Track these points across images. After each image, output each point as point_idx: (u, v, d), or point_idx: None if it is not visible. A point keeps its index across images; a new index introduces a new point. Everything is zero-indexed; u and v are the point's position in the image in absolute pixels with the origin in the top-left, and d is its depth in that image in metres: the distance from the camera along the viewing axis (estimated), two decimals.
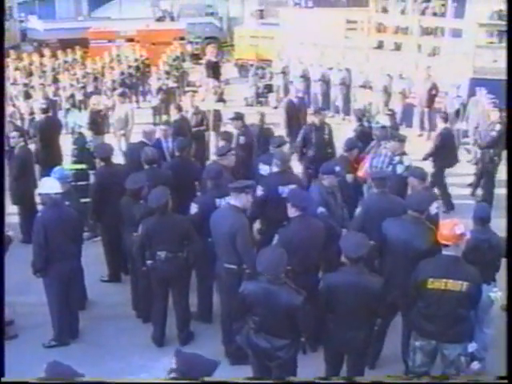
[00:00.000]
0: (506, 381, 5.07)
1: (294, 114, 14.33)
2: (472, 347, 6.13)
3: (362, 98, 17.34)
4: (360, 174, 9.84)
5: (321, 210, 7.74)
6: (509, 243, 6.85)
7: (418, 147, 13.16)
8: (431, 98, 16.78)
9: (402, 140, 9.92)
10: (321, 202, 7.84)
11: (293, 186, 8.10)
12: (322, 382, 5.64)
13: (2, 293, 7.33)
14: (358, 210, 7.73)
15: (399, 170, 9.44)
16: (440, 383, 6.13)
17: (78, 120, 13.67)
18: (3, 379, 5.38)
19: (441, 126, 12.24)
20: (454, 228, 5.99)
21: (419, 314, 6.25)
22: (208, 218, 7.37)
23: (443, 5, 20.60)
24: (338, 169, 8.38)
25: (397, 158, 9.62)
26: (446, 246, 6.01)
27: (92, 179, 9.41)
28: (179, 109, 13.00)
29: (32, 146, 12.10)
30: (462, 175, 13.34)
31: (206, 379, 4.27)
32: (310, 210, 7.20)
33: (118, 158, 11.26)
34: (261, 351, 5.95)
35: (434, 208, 7.83)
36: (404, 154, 9.71)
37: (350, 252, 5.96)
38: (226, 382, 4.37)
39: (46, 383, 4.33)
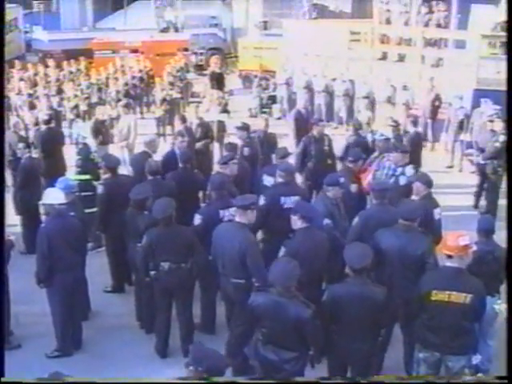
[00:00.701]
0: (506, 381, 5.07)
1: (303, 125, 14.33)
2: (476, 359, 6.12)
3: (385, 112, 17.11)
4: (364, 185, 9.84)
5: (326, 221, 7.74)
6: (509, 249, 6.84)
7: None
8: (435, 109, 16.80)
9: (404, 151, 9.93)
10: (326, 213, 7.84)
11: (296, 198, 8.11)
12: (323, 382, 5.65)
13: (3, 295, 7.35)
14: (356, 221, 7.70)
15: (402, 181, 9.43)
16: (440, 383, 6.12)
17: (82, 131, 13.69)
18: (3, 379, 5.39)
19: (411, 129, 12.30)
20: (459, 239, 5.98)
21: (423, 325, 6.23)
22: (212, 230, 7.37)
23: (446, 16, 20.58)
24: (342, 180, 8.39)
25: (399, 170, 9.62)
26: (450, 257, 6.00)
27: (98, 190, 9.36)
28: (183, 120, 13.03)
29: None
30: (465, 186, 13.32)
31: (206, 379, 4.29)
32: (315, 222, 7.21)
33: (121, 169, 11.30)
34: (268, 363, 5.93)
35: (436, 214, 7.86)
36: (407, 165, 9.71)
37: (353, 263, 5.96)
38: (227, 382, 4.38)
39: (46, 383, 4.33)
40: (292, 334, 5.78)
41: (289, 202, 8.12)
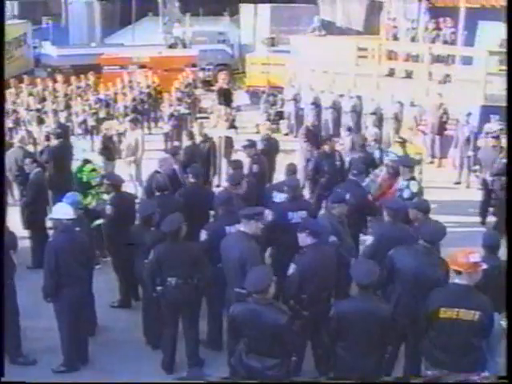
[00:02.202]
0: (506, 381, 5.04)
1: (312, 142, 14.37)
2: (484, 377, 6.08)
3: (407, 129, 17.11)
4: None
5: (332, 238, 7.74)
6: (509, 250, 6.84)
7: (428, 174, 13.15)
8: (442, 126, 16.81)
9: (408, 166, 9.90)
10: (331, 230, 7.84)
11: (303, 213, 8.12)
12: (323, 382, 5.64)
13: (2, 294, 7.36)
14: (371, 239, 7.71)
15: (405, 194, 9.43)
16: (440, 383, 6.09)
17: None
18: (3, 379, 5.39)
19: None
20: (469, 256, 5.96)
21: (431, 343, 6.20)
22: (217, 245, 7.41)
23: (453, 33, 20.61)
24: (348, 197, 8.39)
25: (404, 183, 9.61)
26: (459, 273, 5.98)
27: (107, 210, 9.36)
28: (191, 136, 13.06)
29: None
30: (473, 203, 13.30)
31: (206, 379, 4.28)
32: (321, 239, 7.22)
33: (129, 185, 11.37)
34: (252, 371, 5.95)
35: None
36: (413, 179, 9.68)
37: (360, 279, 5.96)
38: (228, 382, 4.39)
39: (46, 383, 4.32)
40: (271, 341, 5.81)
41: (296, 217, 8.17)
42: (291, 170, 9.87)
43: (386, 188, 10.13)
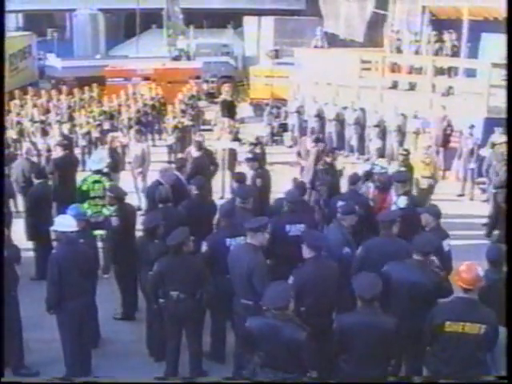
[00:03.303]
0: (506, 381, 5.03)
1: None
2: None
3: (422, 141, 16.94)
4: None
5: (346, 250, 7.70)
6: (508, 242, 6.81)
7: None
8: (446, 138, 16.82)
9: (401, 181, 9.85)
10: (344, 242, 7.81)
11: (301, 226, 8.10)
12: (324, 382, 5.63)
13: (2, 293, 7.36)
14: (359, 251, 7.66)
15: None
16: (440, 383, 6.07)
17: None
18: (3, 379, 5.39)
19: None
20: (472, 270, 5.95)
21: (434, 356, 6.18)
22: (217, 257, 7.44)
23: (455, 45, 20.65)
24: (357, 208, 8.37)
25: (395, 198, 9.59)
26: (466, 290, 5.96)
27: (112, 222, 9.37)
28: (199, 147, 13.04)
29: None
30: (477, 216, 13.28)
31: (206, 379, 4.26)
32: (333, 251, 7.23)
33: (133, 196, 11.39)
34: None
35: (445, 245, 7.81)
36: (406, 194, 9.61)
37: (363, 292, 5.94)
38: (227, 382, 4.37)
39: (46, 383, 4.31)
40: (288, 357, 5.75)
41: (294, 229, 8.15)
42: (296, 183, 9.86)
43: (380, 203, 10.05)
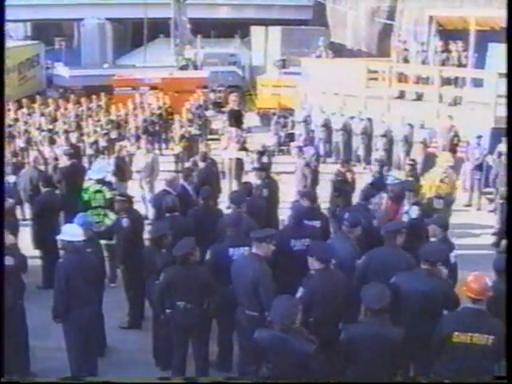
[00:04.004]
0: (505, 381, 5.01)
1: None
2: None
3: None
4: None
5: (358, 262, 7.63)
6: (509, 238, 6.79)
7: None
8: (453, 148, 16.79)
9: (412, 190, 9.84)
10: (355, 253, 7.76)
11: (306, 240, 8.05)
12: (324, 382, 5.61)
13: (2, 292, 7.35)
14: (361, 261, 7.64)
15: (405, 219, 9.34)
16: (440, 383, 6.05)
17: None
18: (3, 379, 5.38)
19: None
20: (481, 281, 5.93)
21: (442, 366, 6.15)
22: (219, 267, 7.44)
23: (461, 56, 20.64)
24: (363, 220, 8.36)
25: (405, 208, 9.57)
26: (475, 300, 5.94)
27: (123, 223, 9.39)
28: (204, 158, 13.05)
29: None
30: (484, 227, 13.24)
31: (206, 379, 4.25)
32: (345, 263, 7.24)
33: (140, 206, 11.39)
34: None
35: (452, 257, 7.79)
36: (416, 204, 9.60)
37: (371, 303, 5.93)
38: (226, 382, 4.35)
39: (46, 383, 4.31)
40: (296, 369, 5.74)
41: (299, 244, 8.09)
42: (302, 193, 9.85)
43: (392, 214, 10.01)
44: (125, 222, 9.30)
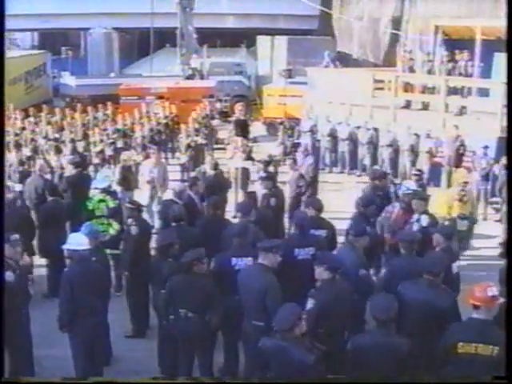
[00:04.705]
0: (505, 381, 4.99)
1: None
2: None
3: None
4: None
5: (362, 272, 7.64)
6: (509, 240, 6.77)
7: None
8: (459, 158, 16.79)
9: (422, 198, 9.84)
10: (360, 263, 7.74)
11: (310, 249, 8.01)
12: (324, 381, 5.60)
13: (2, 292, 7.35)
14: (384, 271, 7.66)
15: (414, 228, 9.32)
16: (440, 383, 6.04)
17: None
18: (3, 379, 5.36)
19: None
20: (487, 290, 5.91)
21: (447, 377, 6.13)
22: (223, 276, 7.47)
23: (466, 65, 20.65)
24: (369, 229, 8.35)
25: (415, 217, 9.55)
26: (477, 307, 5.92)
27: (132, 230, 9.42)
28: (215, 167, 13.05)
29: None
30: (490, 237, 13.20)
31: (206, 379, 4.24)
32: (351, 273, 7.22)
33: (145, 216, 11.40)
34: None
35: (455, 267, 7.76)
36: (425, 213, 9.58)
37: (378, 313, 5.93)
38: (226, 382, 4.34)
39: (45, 382, 4.29)
40: (298, 378, 5.75)
41: (303, 253, 8.03)
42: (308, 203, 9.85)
43: (402, 224, 9.99)
44: (133, 229, 9.33)
